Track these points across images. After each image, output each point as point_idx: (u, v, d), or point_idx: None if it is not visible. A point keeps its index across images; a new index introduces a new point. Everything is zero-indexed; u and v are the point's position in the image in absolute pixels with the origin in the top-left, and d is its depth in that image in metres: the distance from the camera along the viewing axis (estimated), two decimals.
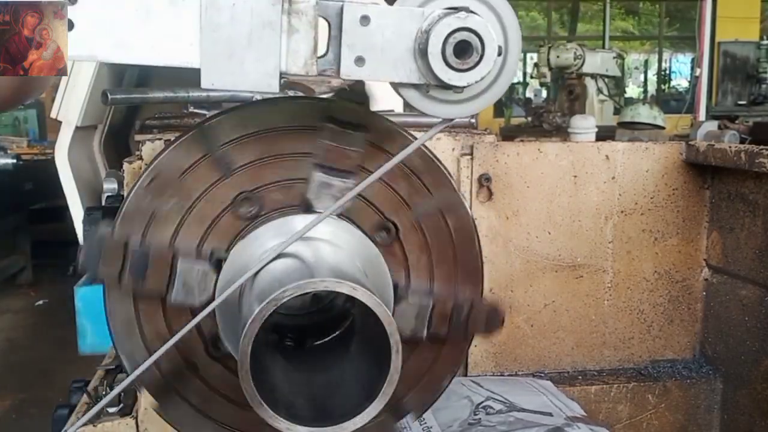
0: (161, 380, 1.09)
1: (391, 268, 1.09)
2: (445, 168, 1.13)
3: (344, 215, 1.07)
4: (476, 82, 0.92)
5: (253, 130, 1.06)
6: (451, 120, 0.99)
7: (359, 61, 0.92)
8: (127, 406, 1.79)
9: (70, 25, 0.86)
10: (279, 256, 1.00)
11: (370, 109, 1.02)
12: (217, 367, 1.09)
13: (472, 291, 1.13)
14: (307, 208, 1.05)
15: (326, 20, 0.92)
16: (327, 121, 1.02)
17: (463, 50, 0.90)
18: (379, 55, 0.92)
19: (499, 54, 0.92)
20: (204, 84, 0.90)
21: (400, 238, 1.11)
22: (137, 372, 1.00)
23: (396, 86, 0.96)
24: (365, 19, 0.91)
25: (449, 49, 0.90)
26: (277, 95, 1.05)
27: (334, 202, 1.03)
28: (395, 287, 1.09)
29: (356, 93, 1.02)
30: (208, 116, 1.09)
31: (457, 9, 0.90)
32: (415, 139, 1.08)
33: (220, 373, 1.09)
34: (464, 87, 0.93)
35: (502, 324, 1.13)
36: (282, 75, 0.92)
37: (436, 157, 1.12)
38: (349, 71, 0.92)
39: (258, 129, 1.06)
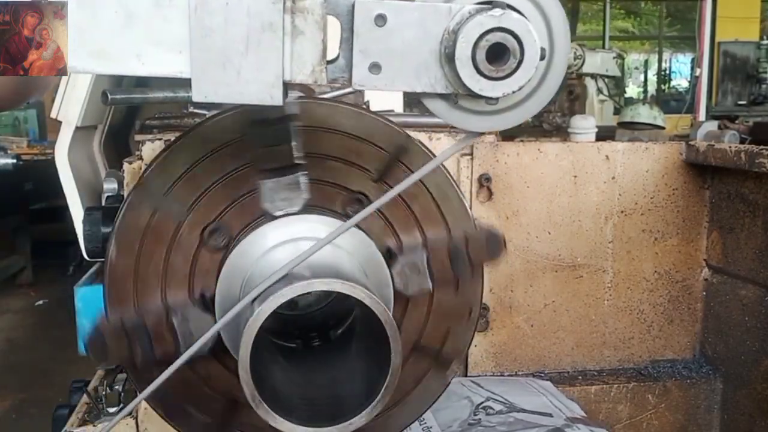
0: (218, 423, 1.12)
1: (377, 236, 1.08)
2: (382, 117, 1.10)
3: (315, 206, 1.05)
4: (513, 92, 0.78)
5: (187, 166, 1.04)
6: (482, 133, 0.86)
7: (374, 68, 0.79)
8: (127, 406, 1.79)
9: None
10: (278, 252, 1.00)
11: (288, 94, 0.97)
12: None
13: (463, 224, 1.11)
14: (271, 217, 1.04)
15: (337, 19, 0.80)
16: (249, 126, 0.98)
17: (498, 54, 0.76)
18: (398, 62, 0.79)
19: (542, 58, 0.78)
20: (196, 97, 0.78)
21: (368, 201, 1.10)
22: (148, 390, 1.00)
23: (419, 96, 0.82)
24: (381, 19, 0.78)
25: (481, 54, 0.76)
26: (202, 120, 1.04)
27: (290, 201, 1.01)
28: (387, 250, 1.07)
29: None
30: (143, 171, 1.08)
31: (491, 4, 0.76)
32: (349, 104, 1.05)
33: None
34: (498, 98, 0.79)
35: (504, 246, 1.09)
36: (286, 84, 0.81)
37: (369, 110, 1.09)
38: (363, 80, 0.80)
39: (191, 162, 1.04)
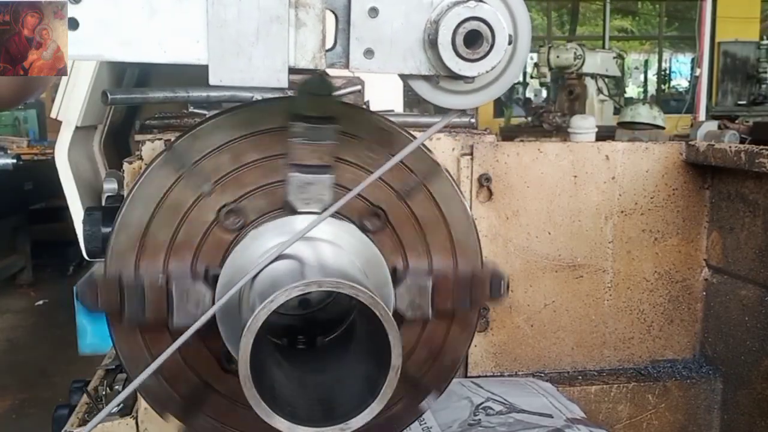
0: (183, 403, 1.09)
1: (386, 253, 1.09)
2: (412, 135, 1.11)
3: (338, 213, 1.06)
4: (487, 71, 0.91)
5: (223, 142, 1.05)
6: (462, 111, 0.98)
7: (368, 53, 0.91)
8: (127, 406, 1.80)
9: (75, 24, 0.85)
10: (279, 258, 1.00)
11: (338, 99, 1.01)
12: (233, 380, 1.09)
13: (472, 261, 1.12)
14: (291, 210, 1.04)
15: (333, 13, 0.91)
16: (295, 119, 1.00)
17: (473, 40, 0.89)
18: (389, 47, 0.91)
19: (510, 43, 0.91)
20: (212, 81, 0.89)
21: (390, 221, 1.10)
22: (139, 379, 0.99)
23: (405, 78, 0.95)
24: (373, 11, 0.90)
25: (459, 39, 0.89)
26: (246, 106, 1.05)
27: (315, 200, 1.02)
28: (393, 271, 1.08)
29: (323, 84, 1.01)
30: (176, 137, 1.08)
31: None
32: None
33: (236, 384, 1.09)
34: (475, 77, 0.92)
35: (507, 289, 1.11)
36: (290, 69, 0.91)
37: (404, 129, 1.11)
38: (359, 64, 0.91)
39: (228, 140, 1.05)
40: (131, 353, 1.07)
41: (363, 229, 1.08)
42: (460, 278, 1.10)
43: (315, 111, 1.00)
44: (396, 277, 1.08)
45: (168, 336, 1.06)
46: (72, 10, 0.85)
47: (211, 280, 1.04)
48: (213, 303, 1.02)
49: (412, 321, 1.10)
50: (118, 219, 1.04)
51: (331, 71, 0.97)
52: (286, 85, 0.90)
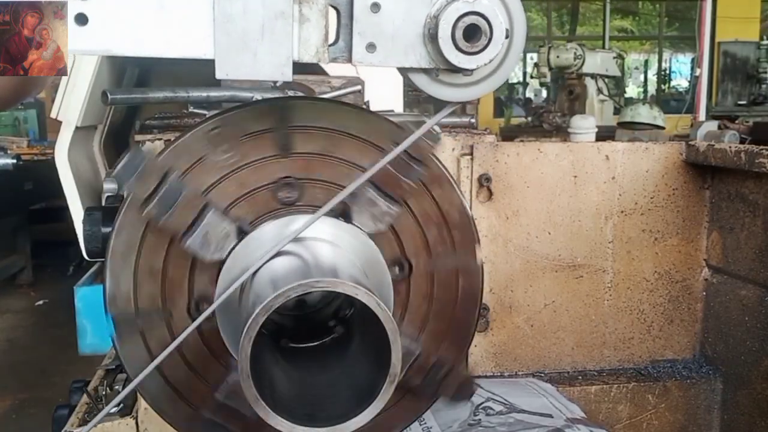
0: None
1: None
2: (476, 231, 1.13)
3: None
4: (485, 64, 0.94)
5: (323, 125, 1.05)
6: (461, 103, 1.01)
7: (370, 47, 0.94)
8: (127, 406, 1.80)
9: (84, 20, 0.86)
10: (279, 253, 1.00)
11: (433, 148, 1.02)
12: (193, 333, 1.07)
13: (456, 354, 1.14)
14: (344, 215, 1.05)
15: (336, 8, 0.94)
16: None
17: (472, 34, 0.92)
18: (390, 42, 0.94)
19: (506, 37, 0.94)
20: (219, 75, 0.91)
21: (410, 279, 1.11)
22: (138, 379, 0.99)
23: (405, 71, 0.97)
24: (375, 6, 0.93)
25: (459, 33, 0.92)
26: (346, 103, 1.05)
27: (372, 221, 1.04)
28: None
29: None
30: (288, 95, 1.09)
31: None
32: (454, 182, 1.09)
33: (193, 338, 1.07)
34: (474, 69, 0.95)
35: (470, 397, 1.14)
36: (294, 63, 0.93)
37: (472, 218, 1.13)
38: (361, 58, 0.95)
39: (328, 126, 1.05)
40: (124, 238, 1.04)
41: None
42: (438, 364, 1.11)
43: (415, 149, 1.02)
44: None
45: (164, 249, 1.04)
46: (81, 6, 0.86)
47: (236, 231, 1.03)
48: (231, 251, 1.02)
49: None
50: (197, 126, 1.03)
51: (330, 72, 0.98)
52: (290, 78, 0.94)
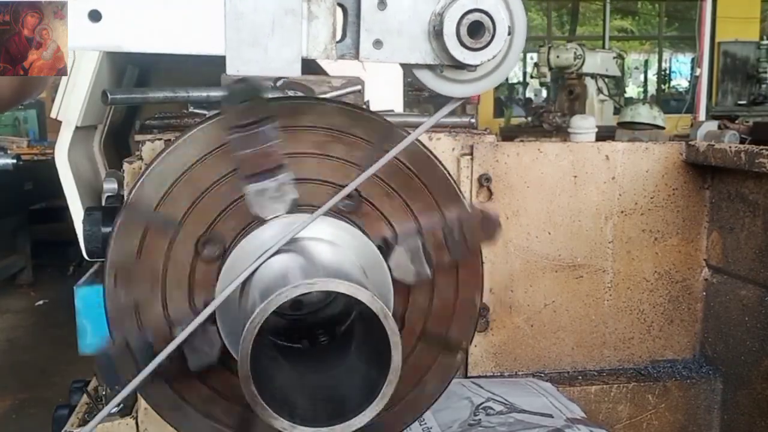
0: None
1: (372, 229, 1.09)
2: (362, 108, 1.12)
3: (306, 205, 1.06)
4: (489, 60, 0.96)
5: (174, 179, 1.04)
6: (463, 100, 1.02)
7: (377, 44, 0.96)
8: (127, 406, 1.80)
9: (98, 17, 0.87)
10: (280, 252, 1.00)
11: (265, 94, 1.00)
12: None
13: (456, 208, 1.12)
14: (262, 220, 1.04)
15: (342, 6, 0.96)
16: (231, 132, 1.00)
17: (476, 30, 0.94)
18: (396, 38, 0.96)
19: (509, 33, 0.97)
20: (229, 71, 0.93)
21: (363, 196, 1.10)
22: (138, 378, 0.99)
23: (411, 67, 0.99)
24: (382, 3, 0.94)
25: (463, 30, 0.94)
26: (189, 132, 1.05)
27: (279, 202, 1.02)
28: (383, 241, 1.08)
29: (249, 87, 1.01)
30: (126, 194, 1.09)
31: None
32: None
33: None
34: (477, 65, 0.97)
35: (499, 225, 1.13)
36: (303, 60, 0.95)
37: (348, 104, 1.12)
38: (368, 54, 0.96)
39: (177, 175, 1.04)
40: (168, 405, 1.07)
41: (340, 212, 1.08)
42: (448, 227, 1.10)
43: (246, 117, 0.99)
44: (387, 247, 1.08)
45: (195, 380, 1.06)
46: (95, 3, 0.87)
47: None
48: (219, 336, 1.03)
49: (418, 285, 1.10)
50: (105, 294, 1.04)
51: (330, 72, 0.98)
52: (299, 74, 0.95)
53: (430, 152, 1.12)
